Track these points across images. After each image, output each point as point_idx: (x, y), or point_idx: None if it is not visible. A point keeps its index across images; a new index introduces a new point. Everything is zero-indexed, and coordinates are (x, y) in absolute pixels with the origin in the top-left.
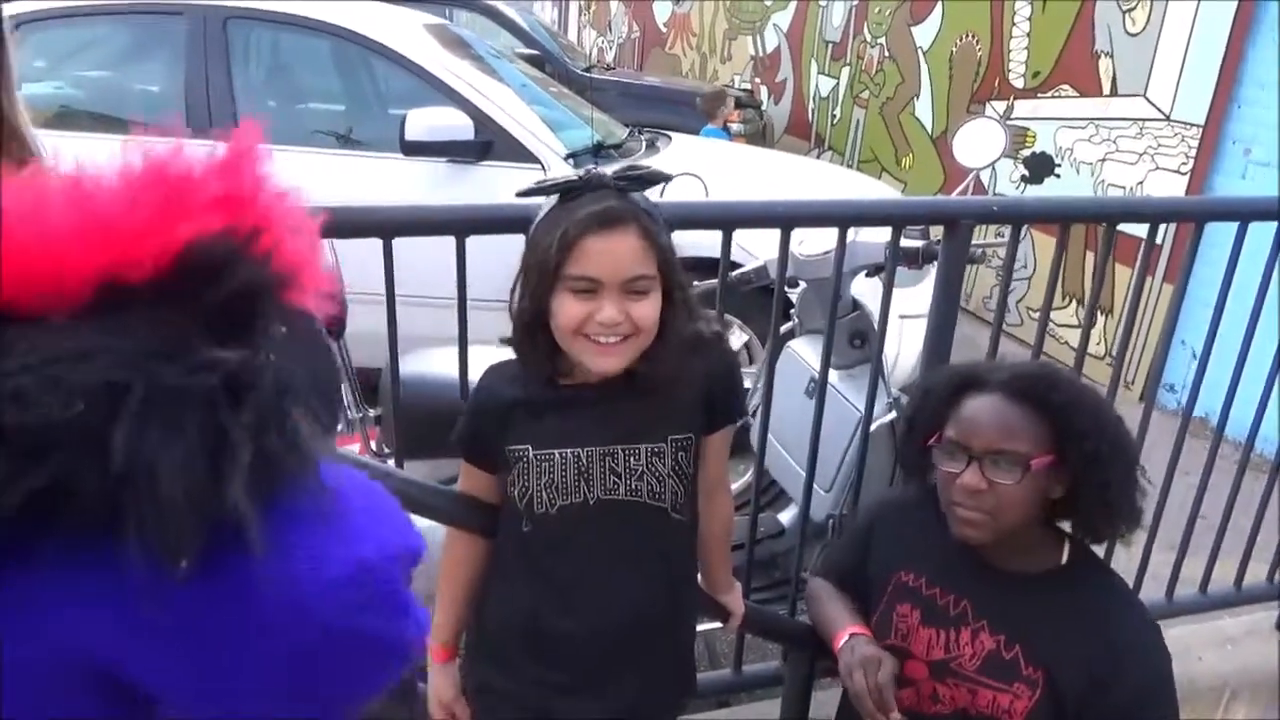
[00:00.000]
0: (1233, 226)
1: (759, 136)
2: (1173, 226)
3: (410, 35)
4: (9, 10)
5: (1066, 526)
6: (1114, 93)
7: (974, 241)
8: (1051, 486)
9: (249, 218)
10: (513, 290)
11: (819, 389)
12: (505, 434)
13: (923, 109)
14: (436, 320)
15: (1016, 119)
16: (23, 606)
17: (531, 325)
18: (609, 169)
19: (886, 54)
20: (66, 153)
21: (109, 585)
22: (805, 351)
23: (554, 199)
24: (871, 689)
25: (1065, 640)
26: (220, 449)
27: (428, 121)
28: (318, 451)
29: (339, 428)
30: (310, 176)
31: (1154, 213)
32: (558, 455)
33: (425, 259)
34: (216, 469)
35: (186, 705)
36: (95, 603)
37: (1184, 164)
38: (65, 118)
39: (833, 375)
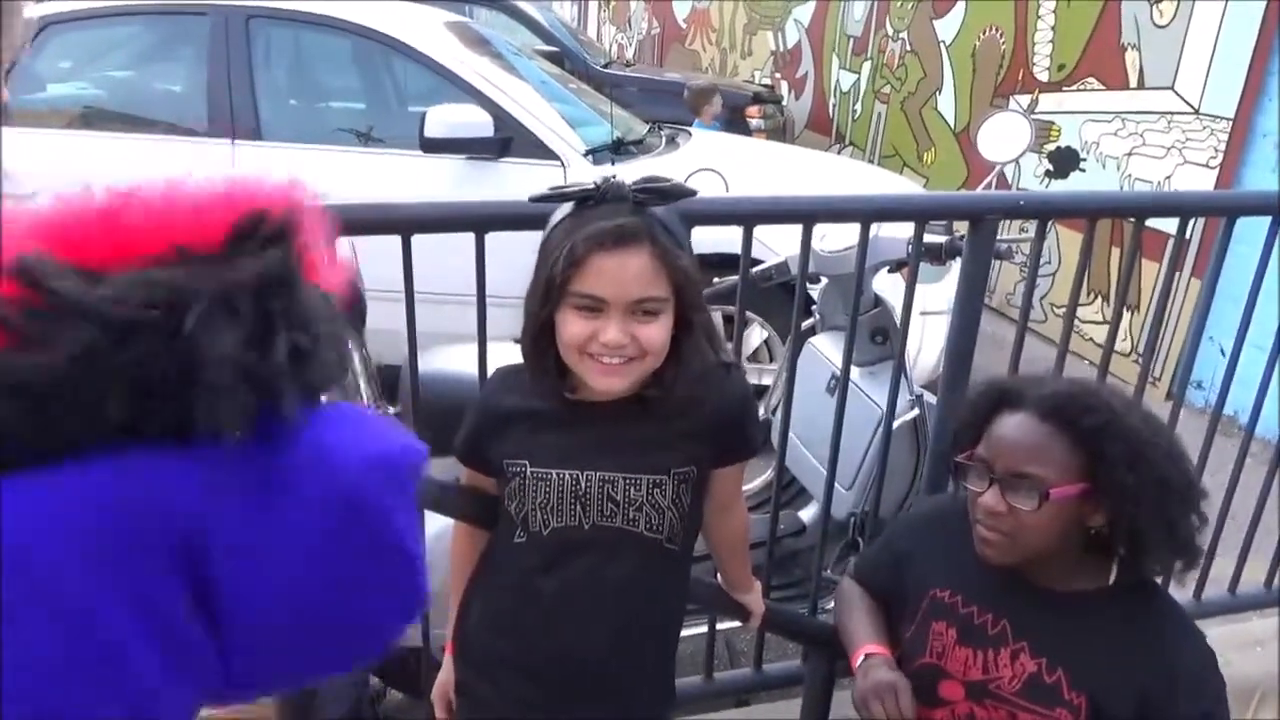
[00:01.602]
0: (1258, 220)
1: (779, 132)
2: (1200, 221)
3: (430, 33)
4: (36, 11)
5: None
6: (1141, 86)
7: (999, 237)
8: (1088, 515)
9: (294, 214)
10: (528, 295)
11: (840, 386)
12: (504, 445)
13: (945, 103)
14: (456, 317)
15: (1041, 113)
16: (118, 478)
17: (538, 337)
18: (634, 165)
19: (908, 48)
20: (92, 152)
21: (185, 457)
22: (826, 348)
23: (570, 205)
24: (892, 718)
25: (1112, 665)
26: (267, 331)
27: (447, 118)
28: (338, 372)
29: None
30: (331, 174)
31: (1184, 207)
32: (555, 476)
33: (444, 256)
34: (264, 345)
35: (245, 584)
36: (178, 468)
37: (1213, 158)
38: (90, 118)
39: (854, 372)
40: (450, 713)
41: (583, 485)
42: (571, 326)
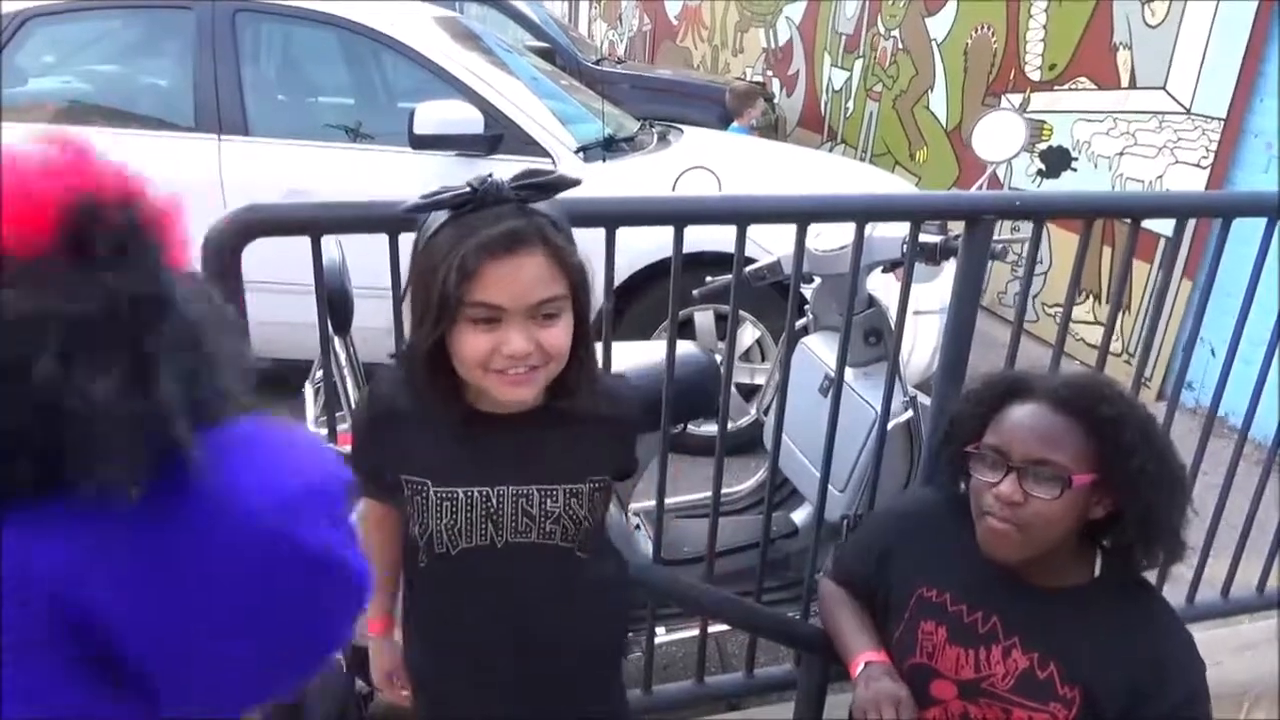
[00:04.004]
0: (1249, 221)
1: (771, 130)
2: (1191, 221)
3: (420, 28)
4: (17, 5)
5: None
6: (1133, 85)
7: (993, 237)
8: (1092, 507)
9: (111, 190)
10: (413, 314)
11: (835, 387)
12: (401, 460)
13: (937, 102)
14: None
15: (1033, 112)
16: None
17: (431, 359)
18: (626, 162)
19: (900, 46)
20: None
21: (70, 527)
22: (820, 348)
23: (446, 212)
24: None
25: (1103, 657)
26: (146, 369)
27: (437, 115)
28: (238, 387)
29: (345, 426)
30: (319, 170)
31: (1181, 208)
32: (462, 494)
33: None
34: (145, 387)
35: (156, 652)
36: (59, 544)
37: (1204, 158)
38: (75, 113)
39: (848, 373)
40: (396, 690)
41: (494, 502)
42: (471, 342)
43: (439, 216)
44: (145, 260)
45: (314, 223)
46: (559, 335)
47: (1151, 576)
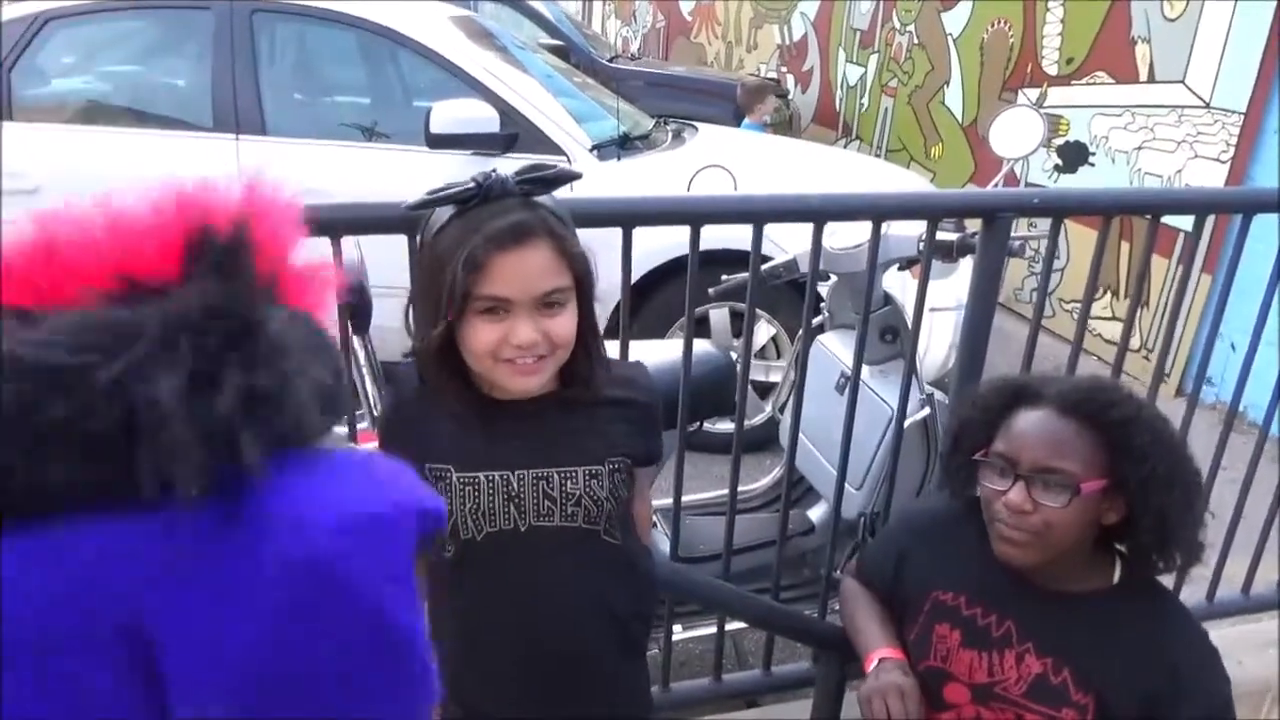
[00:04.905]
0: (1270, 215)
1: (785, 126)
2: (1211, 216)
3: (435, 27)
4: (38, 6)
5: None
6: (1151, 79)
7: (1011, 234)
8: (1105, 512)
9: (249, 226)
10: (408, 307)
11: (851, 385)
12: (424, 451)
13: (953, 97)
14: None
15: (1050, 107)
16: (56, 556)
17: (441, 351)
18: (640, 160)
19: (915, 41)
20: (96, 147)
21: (128, 526)
22: (835, 346)
23: (452, 207)
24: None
25: (1117, 664)
26: (213, 377)
27: (453, 114)
28: (317, 412)
29: (364, 425)
30: (336, 170)
31: (1200, 204)
32: (483, 478)
33: None
34: (211, 394)
35: (188, 662)
36: (117, 543)
37: (1224, 152)
38: (93, 113)
39: (864, 371)
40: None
41: (515, 485)
42: (481, 334)
43: (444, 212)
44: (231, 282)
45: (334, 223)
46: (565, 324)
47: (1169, 579)
